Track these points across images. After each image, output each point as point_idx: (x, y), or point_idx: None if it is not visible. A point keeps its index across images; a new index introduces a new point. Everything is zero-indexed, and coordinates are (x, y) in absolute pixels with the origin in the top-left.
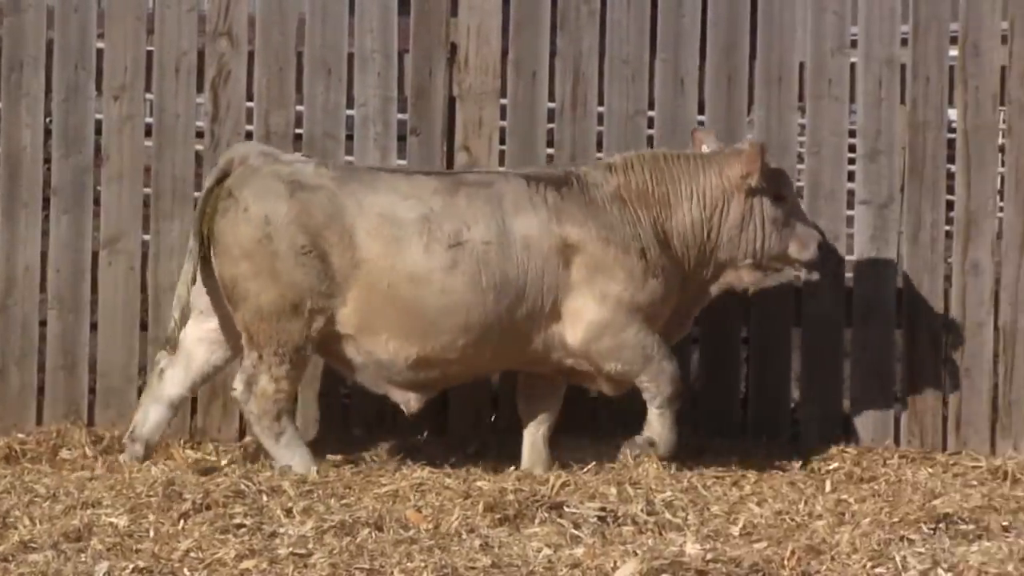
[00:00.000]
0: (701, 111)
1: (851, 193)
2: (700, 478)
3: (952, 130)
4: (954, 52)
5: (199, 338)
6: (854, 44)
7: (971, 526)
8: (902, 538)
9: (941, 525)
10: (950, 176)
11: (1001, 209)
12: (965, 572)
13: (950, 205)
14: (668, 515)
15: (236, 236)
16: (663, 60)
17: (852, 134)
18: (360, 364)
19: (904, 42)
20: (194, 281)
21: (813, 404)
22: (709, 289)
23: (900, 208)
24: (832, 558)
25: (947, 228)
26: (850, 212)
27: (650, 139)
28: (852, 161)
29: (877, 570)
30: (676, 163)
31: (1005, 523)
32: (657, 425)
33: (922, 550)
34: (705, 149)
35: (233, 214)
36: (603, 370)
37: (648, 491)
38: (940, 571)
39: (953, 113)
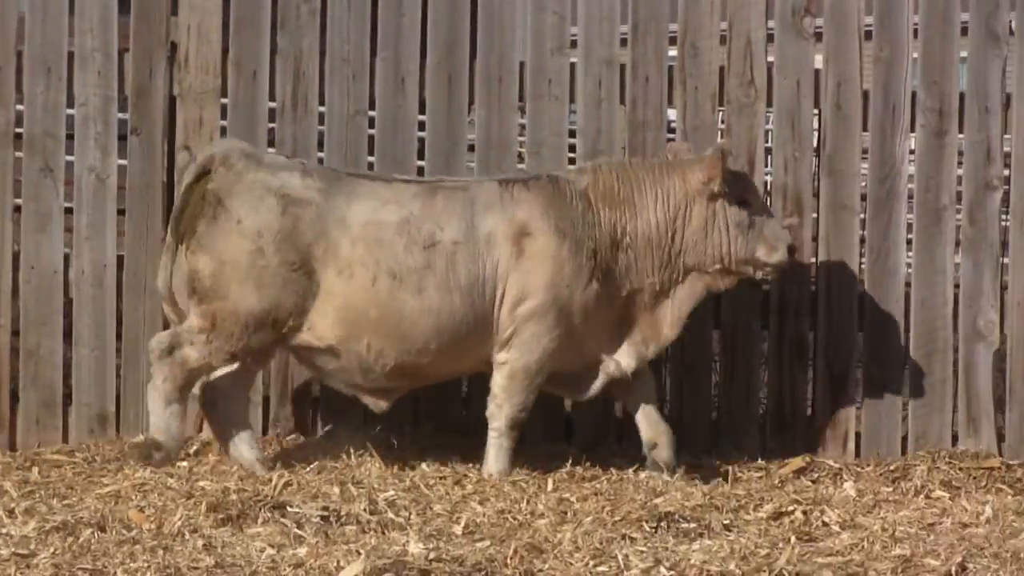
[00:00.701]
0: (422, 110)
1: None
2: (422, 477)
3: (671, 130)
4: (673, 52)
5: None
6: (574, 44)
7: (692, 524)
8: (624, 536)
9: (663, 524)
10: None
11: None
12: (687, 570)
13: None
14: (391, 514)
15: (227, 244)
16: (384, 59)
17: (572, 134)
18: (336, 368)
19: (623, 42)
20: (172, 277)
21: (536, 404)
22: (678, 293)
23: None
24: (555, 556)
25: None
26: None
27: (371, 139)
28: (572, 161)
29: (599, 568)
30: (642, 167)
31: (726, 521)
32: (495, 455)
33: (644, 548)
34: None
35: (224, 223)
36: (498, 355)
37: (371, 490)
38: (662, 569)
39: (672, 113)
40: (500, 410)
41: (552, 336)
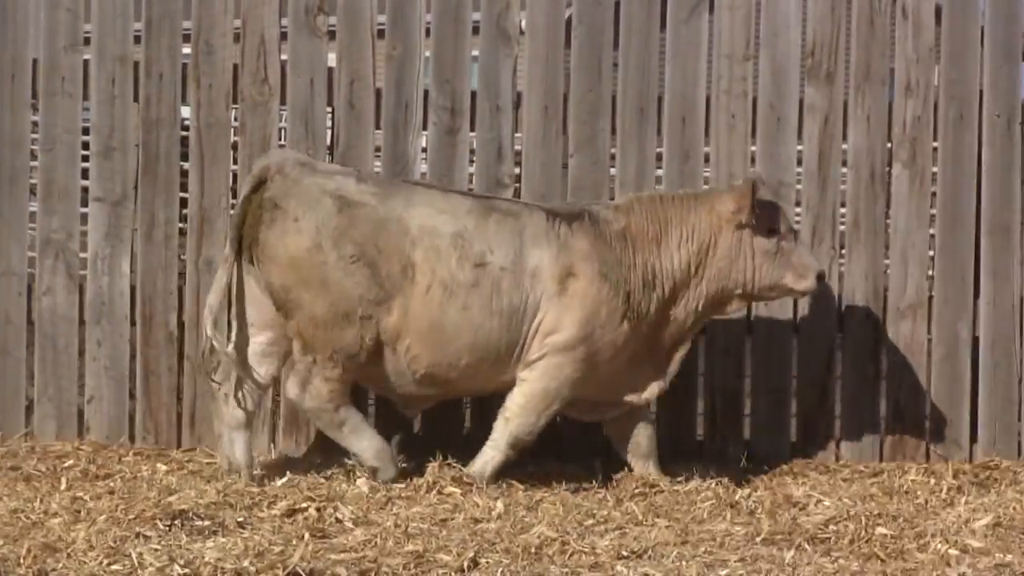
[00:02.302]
0: None
1: (85, 190)
2: None
3: (185, 127)
4: (187, 50)
5: (253, 352)
6: (87, 41)
7: (207, 522)
8: (138, 535)
9: (177, 521)
10: (184, 173)
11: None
12: (201, 568)
13: (184, 202)
14: None
15: (286, 246)
16: None
17: (86, 131)
18: (374, 370)
19: (137, 39)
20: (229, 290)
21: (48, 402)
22: (696, 317)
23: (134, 205)
24: (68, 556)
25: (181, 225)
26: (84, 209)
27: None
28: (86, 158)
29: (113, 567)
30: (671, 204)
31: (240, 519)
32: (482, 462)
33: (158, 547)
34: None
35: (281, 225)
36: (517, 379)
37: None
38: (176, 567)
39: (186, 111)
40: (506, 424)
41: (575, 368)
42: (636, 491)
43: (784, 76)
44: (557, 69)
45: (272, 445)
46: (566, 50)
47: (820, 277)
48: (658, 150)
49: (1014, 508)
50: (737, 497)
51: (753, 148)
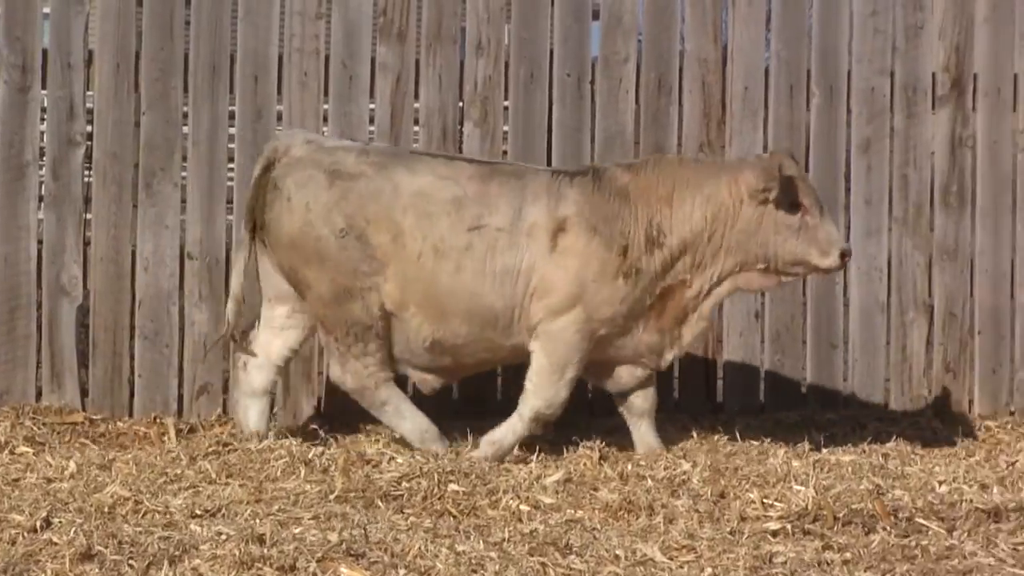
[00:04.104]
0: None
1: None
2: None
3: None
4: None
5: (271, 326)
6: None
7: None
8: None
9: None
10: None
11: None
12: None
13: None
14: None
15: (281, 227)
16: None
17: None
18: (393, 341)
19: None
20: (247, 272)
21: None
22: (716, 291)
23: None
24: None
25: None
26: None
27: None
28: None
29: None
30: (690, 167)
31: None
32: (506, 429)
33: None
34: None
35: (278, 205)
36: (531, 345)
37: None
38: None
39: None
40: (526, 399)
41: (578, 330)
42: (209, 449)
43: (356, 34)
44: (129, 26)
45: None
46: (138, 8)
47: (844, 254)
48: (231, 108)
49: (584, 464)
50: (311, 455)
51: (326, 106)
